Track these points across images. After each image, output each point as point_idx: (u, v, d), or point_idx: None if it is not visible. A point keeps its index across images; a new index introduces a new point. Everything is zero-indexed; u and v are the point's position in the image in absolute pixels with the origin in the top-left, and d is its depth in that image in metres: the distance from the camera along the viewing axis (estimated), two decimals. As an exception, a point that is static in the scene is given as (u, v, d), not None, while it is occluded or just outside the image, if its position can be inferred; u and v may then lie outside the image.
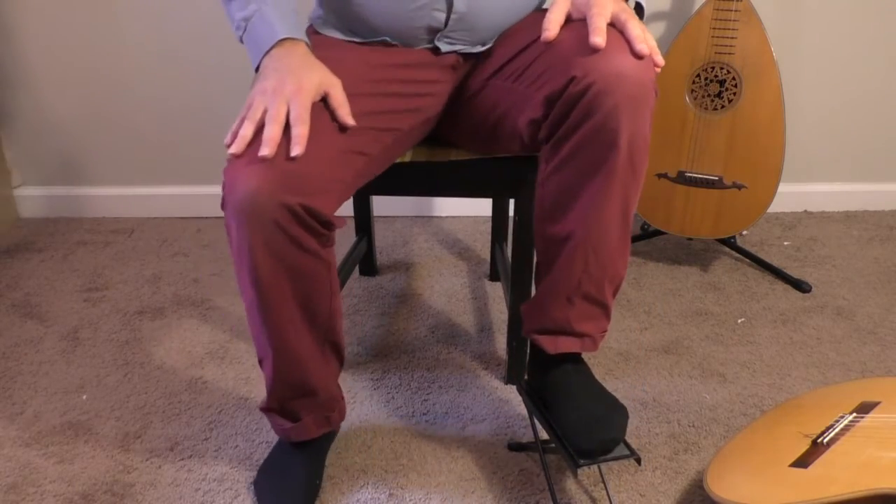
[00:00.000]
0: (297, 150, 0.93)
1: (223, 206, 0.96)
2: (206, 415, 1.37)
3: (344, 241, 1.96)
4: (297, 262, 0.99)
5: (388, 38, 1.16)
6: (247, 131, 0.95)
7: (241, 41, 1.06)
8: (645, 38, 0.95)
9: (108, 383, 1.45)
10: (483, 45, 1.19)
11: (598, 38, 0.93)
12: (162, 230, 2.05)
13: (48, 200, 2.12)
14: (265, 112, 0.95)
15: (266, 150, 0.92)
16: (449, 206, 2.12)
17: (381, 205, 2.10)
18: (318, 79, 0.99)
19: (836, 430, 1.09)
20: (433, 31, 1.14)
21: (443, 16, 1.12)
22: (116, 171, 2.09)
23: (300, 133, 0.94)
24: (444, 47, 1.16)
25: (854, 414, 1.12)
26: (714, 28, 1.63)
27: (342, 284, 1.57)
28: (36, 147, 2.07)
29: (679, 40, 1.66)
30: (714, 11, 1.62)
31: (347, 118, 1.00)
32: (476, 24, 1.15)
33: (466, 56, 1.19)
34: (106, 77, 1.98)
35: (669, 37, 1.93)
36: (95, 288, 1.77)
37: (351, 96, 1.03)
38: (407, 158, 1.25)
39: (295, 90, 0.95)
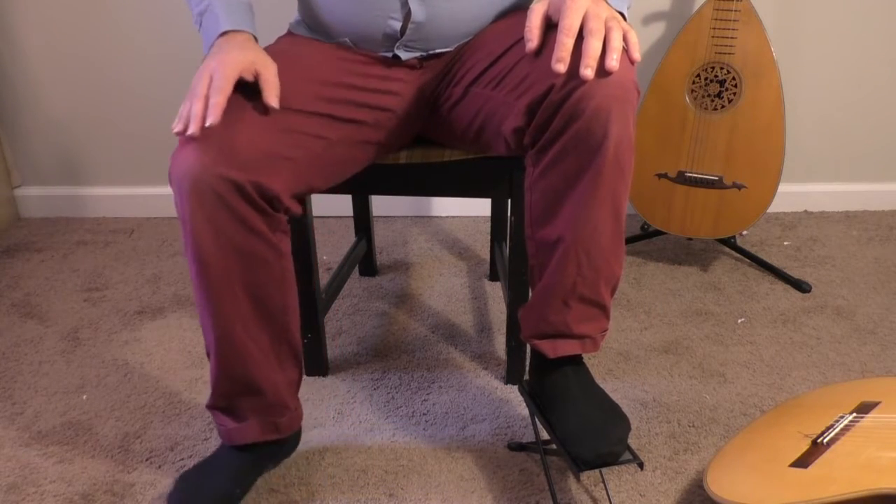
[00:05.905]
0: (210, 118, 0.94)
1: (170, 184, 0.98)
2: (206, 415, 1.37)
3: (344, 241, 1.97)
4: (243, 243, 0.99)
5: (347, 41, 1.17)
6: (184, 110, 0.97)
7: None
8: (623, 46, 0.93)
9: (108, 383, 1.45)
10: (443, 48, 1.18)
11: (559, 64, 0.91)
12: (162, 230, 2.05)
13: (48, 200, 2.12)
14: None
15: (192, 127, 0.94)
16: (448, 206, 2.12)
17: (381, 205, 2.10)
18: (252, 57, 1.01)
19: (836, 430, 1.09)
20: (391, 39, 1.15)
21: (398, 24, 1.13)
22: (116, 171, 2.09)
23: (215, 102, 0.95)
24: (403, 55, 1.16)
25: (854, 414, 1.12)
26: (714, 28, 1.63)
27: (342, 285, 1.57)
28: (36, 147, 2.07)
29: (679, 40, 1.66)
30: (714, 11, 1.62)
31: (271, 99, 1.00)
32: (434, 35, 1.15)
33: (426, 57, 1.19)
34: (106, 77, 1.98)
35: (669, 37, 1.93)
36: (95, 288, 1.77)
37: (307, 82, 1.06)
38: (402, 159, 1.25)
39: (218, 64, 0.98)
